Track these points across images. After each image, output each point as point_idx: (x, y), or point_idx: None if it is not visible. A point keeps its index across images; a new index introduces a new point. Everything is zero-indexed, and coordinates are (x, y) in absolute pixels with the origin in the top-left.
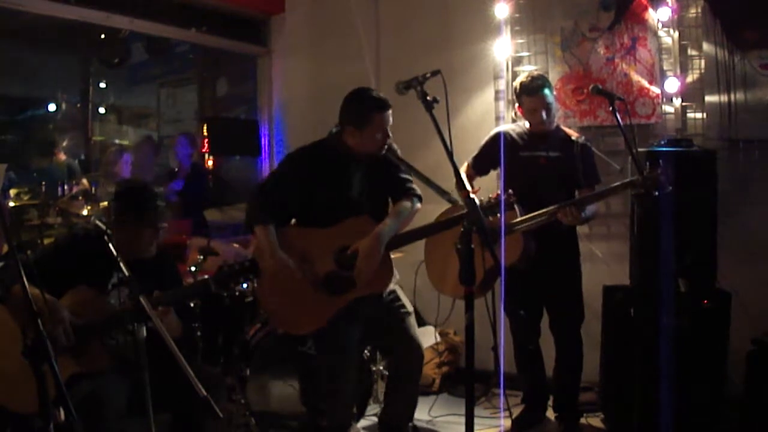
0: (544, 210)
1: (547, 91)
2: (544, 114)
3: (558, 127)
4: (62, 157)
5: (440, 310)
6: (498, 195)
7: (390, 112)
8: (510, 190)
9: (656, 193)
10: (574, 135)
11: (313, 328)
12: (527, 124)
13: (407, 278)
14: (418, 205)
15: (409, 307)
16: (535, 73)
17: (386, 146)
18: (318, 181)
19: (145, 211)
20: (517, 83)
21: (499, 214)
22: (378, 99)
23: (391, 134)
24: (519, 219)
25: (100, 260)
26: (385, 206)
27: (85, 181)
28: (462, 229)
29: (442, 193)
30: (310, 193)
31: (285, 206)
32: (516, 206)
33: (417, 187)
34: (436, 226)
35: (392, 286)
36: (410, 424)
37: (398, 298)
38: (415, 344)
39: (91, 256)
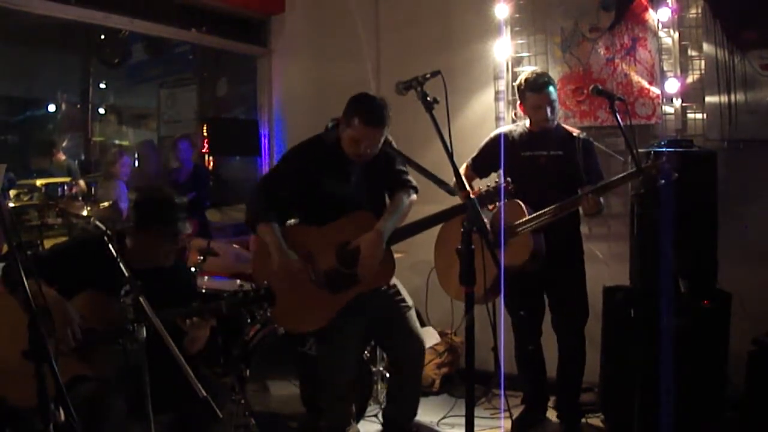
0: (551, 207)
1: (551, 88)
2: (548, 111)
3: (559, 125)
4: (62, 157)
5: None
6: (497, 183)
7: (376, 131)
8: (509, 178)
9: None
10: (575, 132)
11: (316, 327)
12: (527, 123)
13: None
14: (414, 196)
15: (410, 302)
16: (539, 70)
17: (368, 155)
18: (317, 175)
19: (169, 226)
20: (521, 80)
21: (498, 202)
22: (369, 111)
23: (369, 150)
24: (526, 218)
25: (113, 266)
26: (383, 199)
27: (81, 182)
28: (462, 230)
29: (441, 183)
30: (310, 186)
31: (286, 202)
32: (524, 205)
33: (413, 178)
34: (435, 217)
35: (393, 280)
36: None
37: (399, 293)
38: (416, 338)
39: (103, 262)
